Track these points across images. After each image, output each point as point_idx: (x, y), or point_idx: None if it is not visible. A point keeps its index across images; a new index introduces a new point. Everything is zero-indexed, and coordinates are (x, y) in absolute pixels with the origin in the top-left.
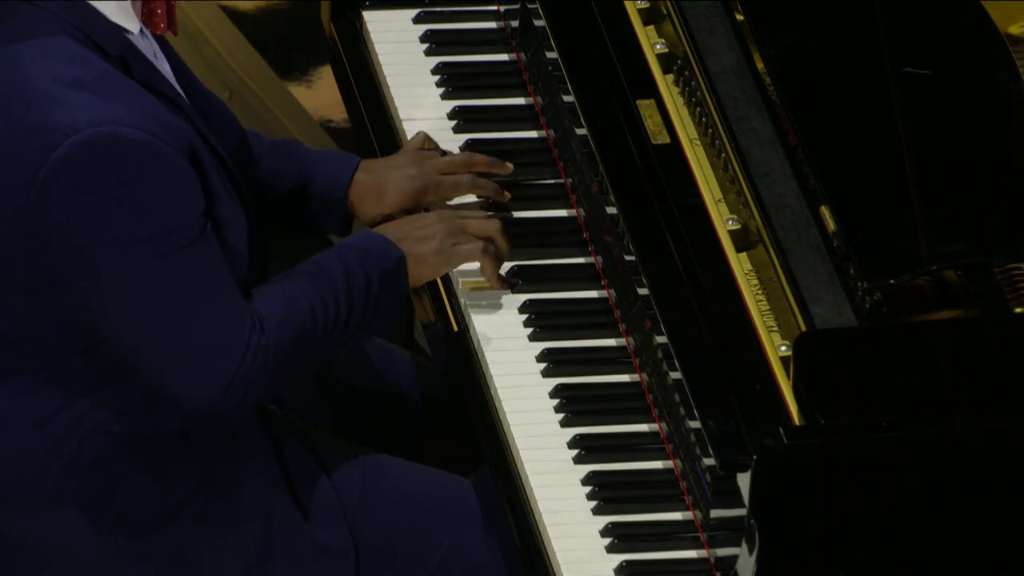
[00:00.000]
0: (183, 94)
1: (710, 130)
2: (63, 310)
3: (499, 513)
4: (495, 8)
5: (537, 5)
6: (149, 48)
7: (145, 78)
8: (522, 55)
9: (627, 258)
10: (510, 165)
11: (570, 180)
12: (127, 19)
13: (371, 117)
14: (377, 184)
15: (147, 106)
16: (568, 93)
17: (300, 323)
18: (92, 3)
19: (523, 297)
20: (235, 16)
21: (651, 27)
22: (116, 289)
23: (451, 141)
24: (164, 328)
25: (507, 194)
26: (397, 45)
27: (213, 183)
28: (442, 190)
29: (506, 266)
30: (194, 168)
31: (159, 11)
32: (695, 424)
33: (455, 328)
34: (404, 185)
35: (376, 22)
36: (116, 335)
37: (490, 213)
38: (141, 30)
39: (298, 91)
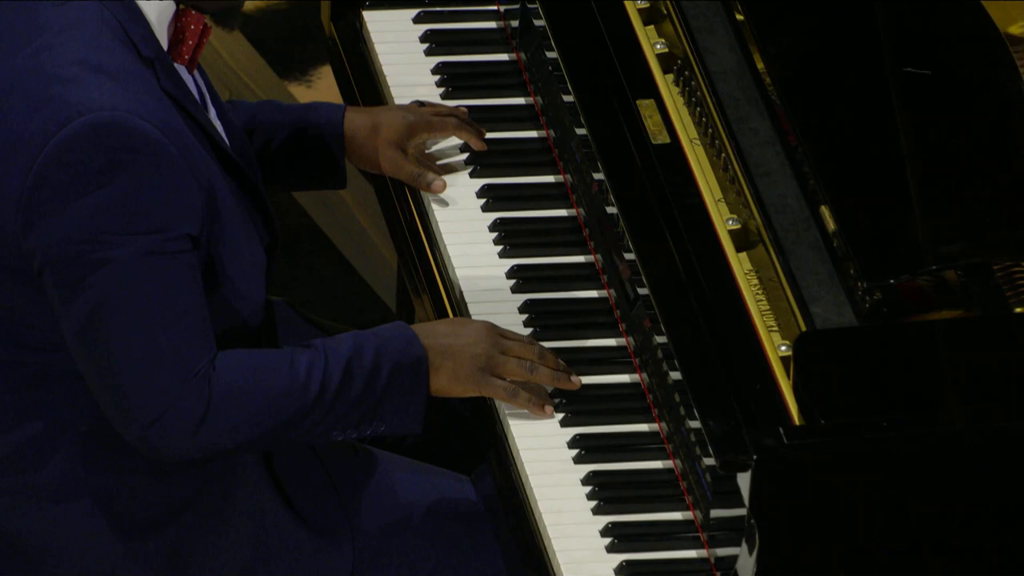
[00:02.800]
0: (211, 114)
1: (710, 130)
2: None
3: (499, 513)
4: (495, 8)
5: (537, 5)
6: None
7: (171, 89)
8: (522, 55)
9: (627, 258)
10: (484, 141)
11: (570, 180)
12: (161, 34)
13: None
14: (371, 121)
15: (167, 115)
16: (568, 93)
17: (264, 383)
18: (139, 3)
19: (523, 297)
20: None
21: (651, 27)
22: (83, 279)
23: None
24: (115, 332)
25: (484, 145)
26: (397, 45)
27: (228, 215)
28: (432, 126)
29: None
30: (207, 200)
31: (190, 41)
32: (695, 424)
33: None
34: (396, 120)
35: (376, 22)
36: (69, 327)
37: (533, 341)
38: None
39: (298, 91)
